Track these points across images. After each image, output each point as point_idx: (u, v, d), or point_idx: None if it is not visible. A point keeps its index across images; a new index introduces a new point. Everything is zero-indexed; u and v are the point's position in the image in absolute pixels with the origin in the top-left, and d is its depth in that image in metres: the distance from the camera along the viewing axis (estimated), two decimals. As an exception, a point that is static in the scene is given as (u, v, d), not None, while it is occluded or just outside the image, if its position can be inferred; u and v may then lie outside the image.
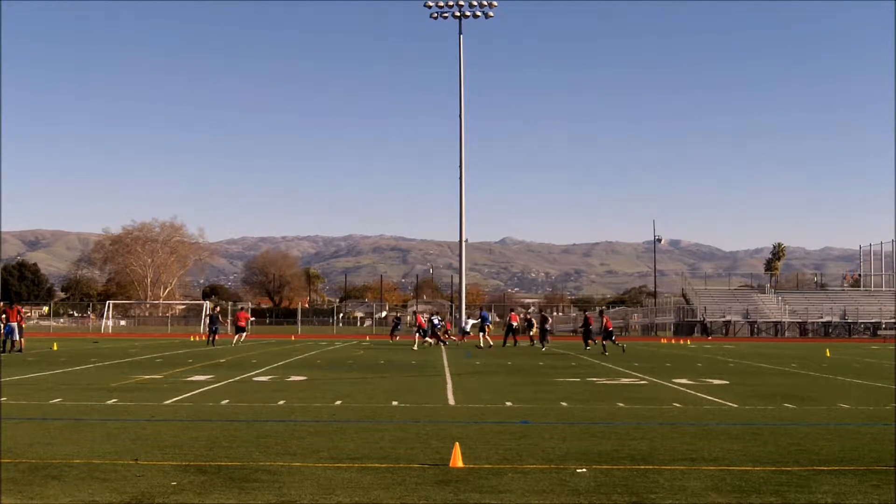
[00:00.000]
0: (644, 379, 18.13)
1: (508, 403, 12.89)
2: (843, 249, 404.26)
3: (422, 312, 43.01)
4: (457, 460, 7.51)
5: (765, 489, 6.65)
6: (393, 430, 9.84)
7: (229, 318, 39.20)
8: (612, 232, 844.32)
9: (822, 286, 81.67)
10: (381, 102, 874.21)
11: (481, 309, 47.66)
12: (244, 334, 38.08)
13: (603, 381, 17.54)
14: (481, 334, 36.49)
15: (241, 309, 40.08)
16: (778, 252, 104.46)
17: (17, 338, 28.20)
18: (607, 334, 30.40)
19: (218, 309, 38.90)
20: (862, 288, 75.52)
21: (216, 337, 37.64)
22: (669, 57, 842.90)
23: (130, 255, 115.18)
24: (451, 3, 54.59)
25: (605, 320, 31.26)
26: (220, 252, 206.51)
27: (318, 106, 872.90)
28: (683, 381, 17.59)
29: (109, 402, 12.86)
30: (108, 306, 74.05)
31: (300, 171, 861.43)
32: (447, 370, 20.58)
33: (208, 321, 35.53)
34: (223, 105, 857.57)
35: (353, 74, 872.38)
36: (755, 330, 67.09)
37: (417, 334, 35.60)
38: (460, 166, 52.27)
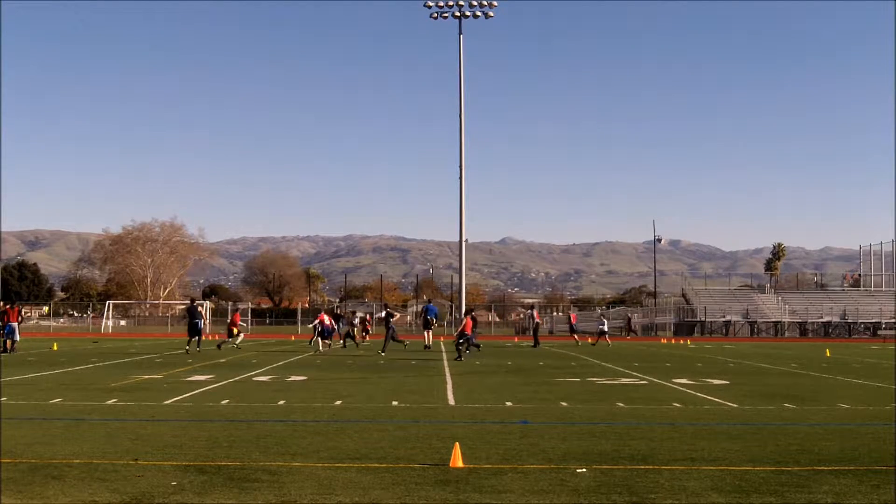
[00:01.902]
0: (644, 379, 18.14)
1: (508, 403, 12.90)
2: (843, 249, 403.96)
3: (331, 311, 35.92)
4: (457, 460, 7.51)
5: (765, 489, 6.65)
6: (393, 430, 9.84)
7: (229, 317, 38.60)
8: (612, 232, 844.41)
9: (822, 286, 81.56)
10: (382, 102, 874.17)
11: (429, 301, 39.73)
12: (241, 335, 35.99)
13: (603, 381, 17.55)
14: (427, 332, 31.88)
15: (237, 310, 39.46)
16: (778, 252, 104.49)
17: (18, 338, 28.32)
18: (462, 336, 26.15)
19: (198, 304, 36.71)
20: (862, 288, 75.45)
21: (201, 338, 32.09)
22: (669, 56, 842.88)
23: (130, 255, 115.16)
24: (451, 3, 54.56)
25: (465, 321, 26.87)
26: (220, 252, 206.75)
27: (318, 106, 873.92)
28: (683, 381, 17.60)
29: (109, 402, 12.86)
30: (108, 306, 73.92)
31: (300, 171, 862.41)
32: (447, 370, 20.58)
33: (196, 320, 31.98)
34: (223, 105, 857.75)
35: (354, 74, 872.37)
36: (755, 330, 67.02)
37: (319, 336, 31.26)
38: (460, 166, 52.27)
